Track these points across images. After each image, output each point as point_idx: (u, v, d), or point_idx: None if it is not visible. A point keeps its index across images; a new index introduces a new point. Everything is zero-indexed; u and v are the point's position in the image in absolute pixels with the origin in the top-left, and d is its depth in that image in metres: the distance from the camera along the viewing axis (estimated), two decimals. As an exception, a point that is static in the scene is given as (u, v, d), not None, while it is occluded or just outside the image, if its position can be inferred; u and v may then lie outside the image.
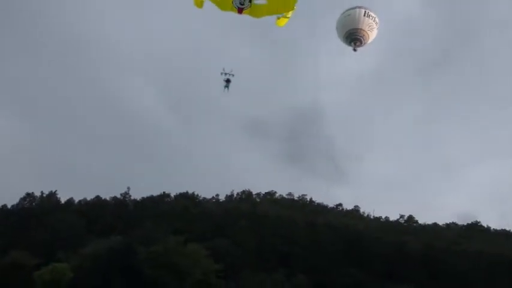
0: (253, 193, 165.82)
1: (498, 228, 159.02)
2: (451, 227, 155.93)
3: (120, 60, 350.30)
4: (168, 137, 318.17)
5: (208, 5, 14.74)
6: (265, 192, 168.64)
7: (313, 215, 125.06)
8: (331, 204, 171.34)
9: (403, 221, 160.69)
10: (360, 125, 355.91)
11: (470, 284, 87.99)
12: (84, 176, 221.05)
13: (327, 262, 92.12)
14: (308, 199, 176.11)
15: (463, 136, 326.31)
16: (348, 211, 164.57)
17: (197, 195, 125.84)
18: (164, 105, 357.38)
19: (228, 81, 19.60)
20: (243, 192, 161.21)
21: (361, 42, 28.98)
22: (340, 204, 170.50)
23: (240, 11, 14.34)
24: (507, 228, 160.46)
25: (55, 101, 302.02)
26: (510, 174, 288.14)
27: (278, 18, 15.34)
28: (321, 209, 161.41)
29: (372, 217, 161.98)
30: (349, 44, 29.58)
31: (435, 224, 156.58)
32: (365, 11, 28.49)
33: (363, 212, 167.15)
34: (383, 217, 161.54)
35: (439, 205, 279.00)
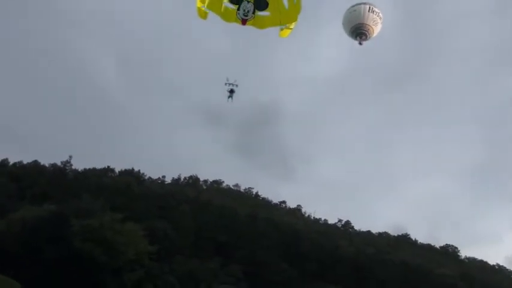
0: (201, 180, 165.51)
1: (424, 243, 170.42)
2: (383, 236, 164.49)
3: (79, 19, 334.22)
4: (120, 111, 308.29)
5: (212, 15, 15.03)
6: (213, 181, 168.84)
7: (256, 208, 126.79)
8: (275, 200, 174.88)
9: (340, 225, 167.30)
10: (315, 128, 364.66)
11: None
12: (23, 138, 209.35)
13: (262, 256, 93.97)
14: (254, 193, 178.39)
15: (408, 151, 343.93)
16: (290, 209, 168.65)
17: (142, 174, 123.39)
18: (121, 78, 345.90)
19: (231, 91, 19.79)
20: (190, 177, 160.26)
21: (366, 37, 30.35)
22: (284, 202, 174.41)
23: (244, 22, 14.63)
24: (432, 243, 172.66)
25: None
26: (444, 194, 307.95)
27: (281, 29, 15.67)
28: (265, 204, 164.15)
29: (312, 218, 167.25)
30: (355, 38, 30.77)
31: (369, 232, 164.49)
32: (369, 7, 29.85)
33: (304, 212, 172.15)
34: (322, 219, 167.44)
35: (376, 214, 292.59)
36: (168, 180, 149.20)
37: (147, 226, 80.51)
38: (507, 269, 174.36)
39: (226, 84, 20.41)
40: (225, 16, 14.88)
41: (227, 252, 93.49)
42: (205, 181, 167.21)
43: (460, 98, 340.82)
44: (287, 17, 15.18)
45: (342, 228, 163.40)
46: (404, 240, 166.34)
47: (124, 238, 70.39)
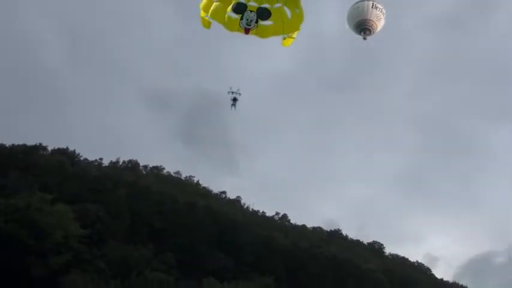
0: (140, 165, 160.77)
1: (354, 238, 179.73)
2: (316, 230, 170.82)
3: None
4: (62, 89, 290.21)
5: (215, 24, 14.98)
6: (153, 166, 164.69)
7: (195, 197, 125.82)
8: (215, 190, 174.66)
9: (277, 218, 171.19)
10: (261, 123, 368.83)
11: (320, 284, 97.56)
12: None
13: (198, 244, 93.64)
14: (195, 181, 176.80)
15: (345, 152, 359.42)
16: (230, 200, 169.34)
17: (78, 154, 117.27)
18: (66, 55, 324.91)
19: (234, 99, 19.60)
20: (130, 161, 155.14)
21: (370, 32, 30.87)
22: (224, 192, 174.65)
23: (247, 31, 14.58)
24: (361, 239, 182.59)
25: None
26: (374, 194, 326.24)
27: (284, 38, 15.68)
28: (205, 193, 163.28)
29: (250, 209, 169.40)
30: (359, 33, 31.16)
31: (304, 226, 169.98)
32: (372, 3, 30.37)
33: (244, 204, 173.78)
34: (260, 211, 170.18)
35: (311, 210, 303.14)
36: (105, 163, 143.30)
37: (79, 208, 77.00)
38: (425, 266, 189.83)
39: (229, 92, 20.48)
40: (228, 25, 14.80)
41: (162, 239, 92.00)
42: (145, 166, 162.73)
43: (398, 104, 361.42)
44: (290, 27, 15.28)
45: (278, 221, 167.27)
46: (336, 235, 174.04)
47: (53, 220, 66.79)
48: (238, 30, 15.10)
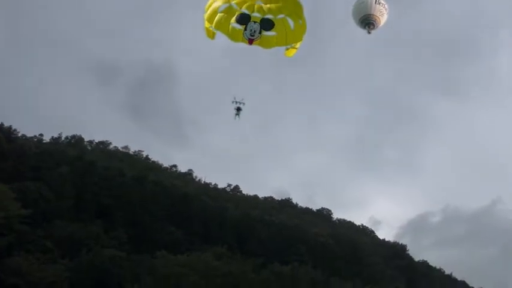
0: (85, 140, 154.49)
1: (303, 206, 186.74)
2: (268, 200, 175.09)
3: None
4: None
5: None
6: (99, 141, 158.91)
7: (145, 171, 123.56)
8: (166, 164, 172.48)
9: (229, 190, 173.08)
10: (211, 95, 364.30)
11: (270, 250, 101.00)
12: None
13: (149, 219, 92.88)
14: (144, 155, 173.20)
15: (296, 125, 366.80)
16: (181, 173, 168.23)
17: (14, 130, 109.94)
18: (3, 26, 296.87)
19: (238, 109, 19.43)
20: (73, 136, 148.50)
21: (374, 26, 32.26)
22: (175, 166, 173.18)
23: (251, 41, 14.66)
24: (310, 207, 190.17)
25: None
26: (323, 164, 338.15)
27: (287, 49, 15.82)
28: (155, 167, 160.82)
29: (202, 182, 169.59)
30: (364, 27, 32.53)
31: (255, 196, 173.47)
32: None
33: (195, 177, 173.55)
34: (212, 184, 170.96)
35: (263, 180, 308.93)
36: (46, 139, 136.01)
37: (19, 188, 73.08)
38: (369, 229, 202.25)
39: (233, 102, 19.34)
40: (232, 36, 14.84)
41: (112, 215, 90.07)
42: (90, 142, 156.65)
43: (346, 77, 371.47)
44: (293, 37, 15.46)
45: (230, 193, 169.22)
46: (286, 204, 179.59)
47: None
48: (242, 41, 15.13)
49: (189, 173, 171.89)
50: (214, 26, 15.54)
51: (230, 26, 15.21)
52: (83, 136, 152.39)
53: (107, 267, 66.08)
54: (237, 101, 20.56)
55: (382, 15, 33.41)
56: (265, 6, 15.20)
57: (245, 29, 14.97)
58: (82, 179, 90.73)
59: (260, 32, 14.83)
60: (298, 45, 16.25)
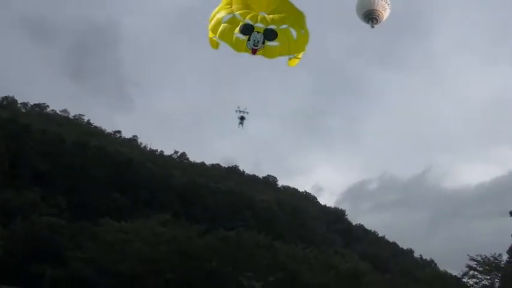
0: (19, 102, 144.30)
1: (250, 173, 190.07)
2: (215, 167, 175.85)
3: None
4: None
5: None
6: (34, 104, 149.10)
7: (86, 136, 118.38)
8: (109, 129, 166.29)
9: (176, 157, 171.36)
10: (157, 58, 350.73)
11: (215, 217, 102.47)
12: None
13: (91, 185, 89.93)
14: (85, 120, 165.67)
15: (244, 91, 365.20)
16: (125, 139, 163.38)
17: None
18: None
19: (242, 118, 19.36)
20: (5, 98, 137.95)
21: (377, 21, 34.25)
22: (119, 132, 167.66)
23: (254, 52, 14.78)
24: (256, 174, 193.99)
25: None
26: (270, 132, 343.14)
27: (290, 58, 16.00)
28: (97, 132, 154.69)
29: (148, 149, 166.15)
30: (368, 22, 34.43)
31: (203, 163, 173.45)
32: None
33: (141, 143, 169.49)
34: (158, 150, 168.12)
35: (210, 147, 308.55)
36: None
37: None
38: (312, 195, 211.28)
39: (237, 111, 19.26)
40: (236, 46, 14.98)
41: (50, 182, 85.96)
42: (25, 104, 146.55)
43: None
44: (295, 47, 15.59)
45: (177, 159, 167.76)
46: (233, 171, 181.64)
47: None
48: (245, 51, 15.33)
49: (134, 139, 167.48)
50: (218, 36, 15.67)
51: (234, 36, 15.39)
52: (16, 98, 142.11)
53: (45, 234, 63.59)
54: (241, 110, 20.88)
55: (385, 10, 35.76)
56: (268, 17, 15.42)
57: (248, 39, 15.17)
58: (16, 144, 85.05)
59: (263, 42, 15.08)
60: (300, 55, 16.64)
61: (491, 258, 62.61)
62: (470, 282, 64.46)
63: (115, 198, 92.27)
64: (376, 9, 34.55)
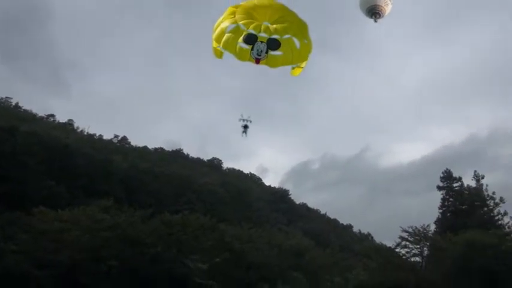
0: None
1: (195, 157, 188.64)
2: (158, 151, 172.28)
3: None
4: None
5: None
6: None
7: (16, 121, 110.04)
8: (41, 113, 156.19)
9: (116, 141, 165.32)
10: (94, 39, 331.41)
11: (160, 201, 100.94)
12: None
13: (22, 173, 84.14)
14: (13, 103, 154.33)
15: (186, 74, 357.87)
16: (60, 123, 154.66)
17: None
18: None
19: (245, 126, 19.32)
20: None
21: (380, 15, 34.55)
22: (53, 115, 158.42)
23: (258, 61, 14.70)
24: (201, 157, 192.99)
25: None
26: (214, 115, 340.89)
27: (293, 68, 15.94)
28: (28, 116, 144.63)
29: (85, 133, 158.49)
30: (371, 17, 34.72)
31: (145, 147, 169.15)
32: None
33: (77, 127, 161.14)
34: (97, 135, 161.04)
35: (153, 131, 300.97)
36: None
37: None
38: (256, 176, 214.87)
39: (240, 120, 19.09)
40: (240, 55, 14.93)
41: (-25, 171, 79.38)
42: None
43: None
44: (299, 57, 15.54)
45: (117, 144, 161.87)
46: (177, 155, 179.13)
47: None
48: (249, 60, 15.23)
49: (70, 123, 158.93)
50: (222, 46, 15.51)
51: (237, 46, 15.26)
52: None
53: (-29, 227, 58.91)
54: (244, 118, 20.68)
55: (387, 5, 37.66)
56: (272, 27, 15.38)
57: (252, 49, 15.02)
58: None
59: (267, 52, 15.01)
60: (303, 64, 16.56)
61: (421, 229, 67.86)
62: (403, 251, 69.47)
63: (50, 186, 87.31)
64: (378, 5, 36.29)
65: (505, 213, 79.80)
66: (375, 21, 38.20)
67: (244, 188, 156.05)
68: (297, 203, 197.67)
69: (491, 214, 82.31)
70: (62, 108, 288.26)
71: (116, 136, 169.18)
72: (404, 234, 67.67)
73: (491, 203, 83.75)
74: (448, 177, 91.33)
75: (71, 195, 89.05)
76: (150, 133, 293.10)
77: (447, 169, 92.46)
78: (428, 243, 67.40)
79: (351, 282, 71.71)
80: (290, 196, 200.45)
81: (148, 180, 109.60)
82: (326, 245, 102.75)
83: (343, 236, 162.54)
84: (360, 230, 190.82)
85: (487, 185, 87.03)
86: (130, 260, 61.39)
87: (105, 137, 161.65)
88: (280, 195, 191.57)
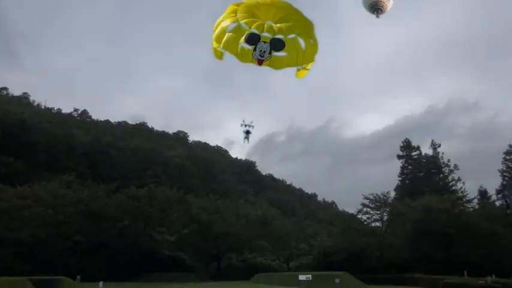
0: None
1: (160, 130, 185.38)
2: (121, 125, 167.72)
3: None
4: None
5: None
6: None
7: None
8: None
9: (76, 115, 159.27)
10: (47, 11, 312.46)
11: (124, 175, 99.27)
12: None
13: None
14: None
15: (149, 48, 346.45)
16: (14, 97, 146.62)
17: None
18: None
19: (248, 132, 18.75)
20: None
21: (382, 11, 33.15)
22: (5, 89, 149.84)
23: (260, 62, 14.00)
24: (166, 130, 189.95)
25: None
26: (179, 89, 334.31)
27: (298, 69, 14.99)
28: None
29: (42, 107, 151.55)
30: (373, 12, 33.44)
31: (107, 121, 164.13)
32: None
33: (33, 101, 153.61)
34: (55, 109, 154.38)
35: (115, 105, 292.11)
36: None
37: None
38: (223, 149, 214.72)
39: (242, 125, 18.61)
40: (241, 56, 14.04)
41: None
42: None
43: (199, 2, 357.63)
44: (304, 58, 14.59)
45: (78, 118, 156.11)
46: (141, 128, 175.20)
47: None
48: (251, 61, 14.15)
49: (25, 97, 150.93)
50: (223, 46, 14.35)
51: (239, 46, 14.10)
52: None
53: None
54: (246, 123, 19.68)
55: (388, 1, 37.20)
56: (276, 26, 14.31)
57: (254, 50, 14.00)
58: None
59: (270, 53, 14.00)
60: (309, 66, 15.98)
61: (381, 196, 70.98)
62: (364, 218, 72.68)
63: (8, 162, 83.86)
64: (380, 1, 36.61)
65: (459, 179, 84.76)
66: (377, 16, 38.97)
67: (211, 160, 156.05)
68: (264, 174, 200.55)
69: (446, 180, 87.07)
70: (15, 82, 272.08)
71: (76, 110, 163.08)
72: (366, 201, 70.58)
73: (447, 170, 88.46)
74: (407, 146, 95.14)
75: (31, 172, 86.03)
76: (112, 107, 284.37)
77: (406, 139, 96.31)
78: (388, 209, 70.63)
79: (316, 248, 74.55)
80: (257, 168, 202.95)
81: (113, 154, 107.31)
82: (292, 214, 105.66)
83: (308, 205, 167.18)
84: (324, 199, 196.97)
85: (443, 153, 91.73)
86: (96, 234, 60.84)
87: (64, 111, 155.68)
88: (247, 167, 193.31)
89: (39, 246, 53.21)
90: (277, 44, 14.22)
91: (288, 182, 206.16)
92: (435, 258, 56.17)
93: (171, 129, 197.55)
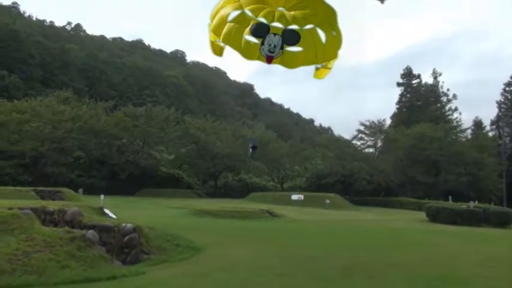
0: None
1: (157, 48, 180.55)
2: (117, 41, 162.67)
3: None
4: None
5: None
6: None
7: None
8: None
9: (70, 29, 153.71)
10: None
11: (122, 93, 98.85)
12: None
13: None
14: None
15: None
16: (3, 6, 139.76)
17: None
18: None
19: (254, 148, 17.47)
20: None
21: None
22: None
23: (270, 60, 9.88)
24: (164, 49, 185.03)
25: None
26: (177, 4, 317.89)
27: (317, 68, 10.61)
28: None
29: (34, 19, 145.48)
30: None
31: (102, 37, 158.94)
32: None
33: (24, 12, 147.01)
34: (48, 21, 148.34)
35: (108, 20, 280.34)
36: None
37: None
38: (222, 70, 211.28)
39: (250, 139, 18.73)
40: (246, 52, 9.95)
41: None
42: None
43: None
44: (324, 54, 10.67)
45: (72, 32, 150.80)
46: (138, 45, 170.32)
47: None
48: (258, 59, 10.96)
49: (14, 6, 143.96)
50: (223, 40, 11.41)
51: (243, 40, 11.40)
52: None
53: None
54: (253, 138, 19.91)
55: None
56: (289, 14, 11.26)
57: (262, 43, 11.52)
58: None
59: (282, 48, 11.57)
60: (331, 64, 12.58)
61: (377, 123, 71.77)
62: (358, 143, 74.26)
63: (2, 75, 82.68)
64: None
65: (455, 109, 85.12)
66: (382, 2, 36.01)
67: (209, 81, 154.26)
68: (262, 97, 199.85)
69: (443, 110, 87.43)
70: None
71: (69, 23, 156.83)
72: (361, 128, 71.55)
73: (445, 99, 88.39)
74: (408, 74, 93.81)
75: (27, 86, 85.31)
76: (106, 22, 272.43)
77: (408, 66, 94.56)
78: (382, 136, 71.88)
79: (310, 171, 77.03)
80: (255, 91, 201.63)
81: (109, 72, 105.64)
82: (288, 137, 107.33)
83: (304, 130, 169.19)
84: (320, 124, 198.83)
85: (443, 82, 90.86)
86: (96, 150, 62.26)
87: (56, 24, 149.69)
88: (245, 90, 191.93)
89: (40, 160, 54.72)
90: (290, 37, 12.29)
91: (286, 107, 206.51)
92: (423, 183, 58.59)
93: (168, 48, 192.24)
